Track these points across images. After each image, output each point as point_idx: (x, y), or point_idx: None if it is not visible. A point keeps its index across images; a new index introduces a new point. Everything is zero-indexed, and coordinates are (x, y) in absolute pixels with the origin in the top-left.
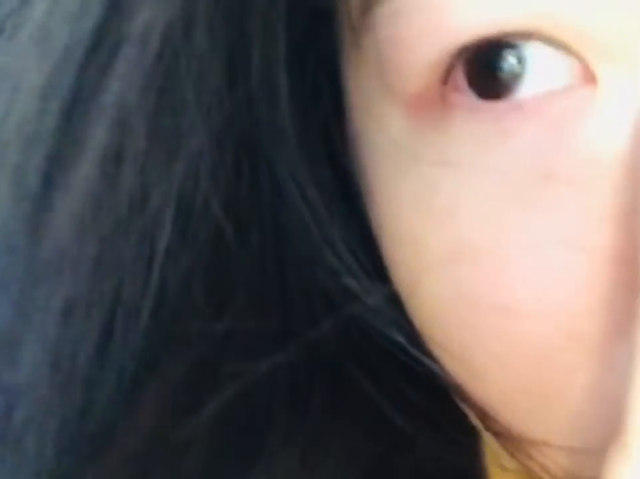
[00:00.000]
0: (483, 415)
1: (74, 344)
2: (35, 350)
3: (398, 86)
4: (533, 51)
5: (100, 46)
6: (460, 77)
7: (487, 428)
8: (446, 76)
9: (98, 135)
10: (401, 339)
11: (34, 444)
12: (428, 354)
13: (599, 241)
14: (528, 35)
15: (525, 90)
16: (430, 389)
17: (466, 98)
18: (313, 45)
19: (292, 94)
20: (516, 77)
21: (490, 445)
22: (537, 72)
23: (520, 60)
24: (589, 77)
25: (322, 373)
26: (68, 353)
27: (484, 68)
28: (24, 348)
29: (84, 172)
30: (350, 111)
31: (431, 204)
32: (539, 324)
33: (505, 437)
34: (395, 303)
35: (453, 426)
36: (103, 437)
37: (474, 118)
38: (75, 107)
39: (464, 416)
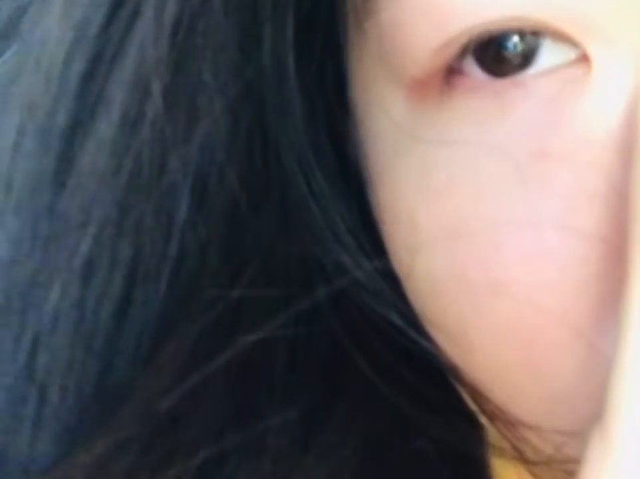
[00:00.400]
0: (477, 396)
1: (96, 301)
2: (60, 299)
3: (400, 69)
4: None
5: (119, 12)
6: (464, 61)
7: (481, 410)
8: (449, 61)
9: (117, 96)
10: (397, 319)
11: (57, 396)
12: (426, 336)
13: (588, 221)
14: (525, 22)
15: (529, 70)
16: (431, 373)
17: (469, 80)
18: (319, 29)
19: (299, 75)
20: (522, 56)
21: (490, 431)
22: (542, 52)
23: (524, 40)
24: (584, 58)
25: (322, 355)
26: (90, 309)
27: (492, 46)
28: (50, 294)
29: (105, 131)
30: (353, 94)
31: (429, 183)
32: (529, 304)
33: (498, 419)
34: (394, 285)
35: (454, 411)
36: (122, 393)
37: (474, 95)
38: (95, 70)
39: (465, 402)
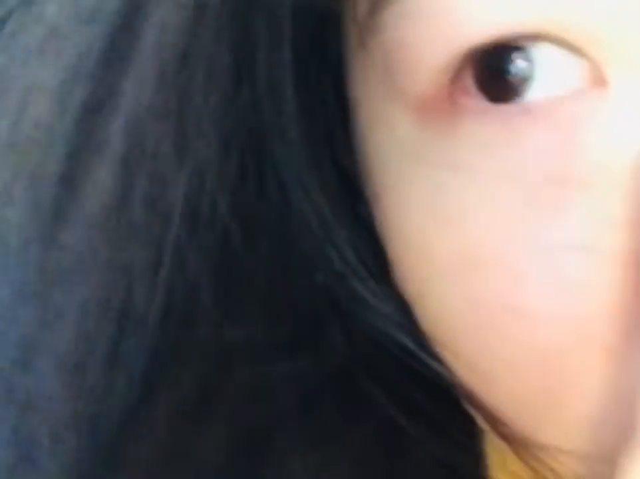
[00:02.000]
0: (493, 419)
1: (87, 351)
2: (50, 358)
3: (406, 89)
4: (542, 53)
5: (114, 50)
6: (468, 80)
7: (497, 433)
8: (455, 80)
9: (114, 138)
10: (409, 343)
11: (45, 457)
12: (435, 357)
13: (610, 245)
14: (537, 37)
15: (534, 93)
16: (433, 391)
17: (475, 101)
18: (319, 47)
19: (297, 97)
20: (525, 80)
21: (496, 448)
22: (547, 74)
23: (529, 62)
24: (600, 80)
25: (330, 378)
26: (80, 360)
27: (493, 71)
28: (39, 354)
29: (101, 176)
30: (356, 114)
31: (439, 208)
32: (550, 328)
33: (516, 441)
34: (403, 306)
35: (457, 428)
36: (116, 446)
37: (482, 120)
38: (91, 112)
39: (468, 419)
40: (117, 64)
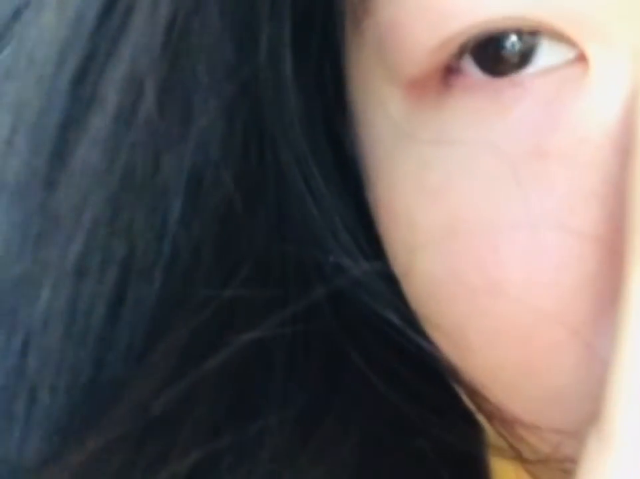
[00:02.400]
0: (475, 395)
1: (88, 301)
2: (51, 299)
3: (398, 69)
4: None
5: (113, 10)
6: (461, 60)
7: (479, 409)
8: (447, 61)
9: (110, 95)
10: (396, 320)
11: (48, 395)
12: (424, 335)
13: (585, 221)
14: (523, 21)
15: (526, 69)
16: (430, 374)
17: (467, 79)
18: (317, 27)
19: (296, 75)
20: (520, 55)
21: (488, 430)
22: (540, 51)
23: (522, 39)
24: (583, 57)
25: (320, 354)
26: (82, 309)
27: (490, 45)
28: (41, 292)
29: (97, 130)
30: (351, 93)
31: (426, 182)
32: (526, 304)
33: (496, 418)
34: (393, 284)
35: (453, 410)
36: (114, 392)
37: (472, 95)
38: (89, 68)
39: (463, 401)
40: (114, 27)
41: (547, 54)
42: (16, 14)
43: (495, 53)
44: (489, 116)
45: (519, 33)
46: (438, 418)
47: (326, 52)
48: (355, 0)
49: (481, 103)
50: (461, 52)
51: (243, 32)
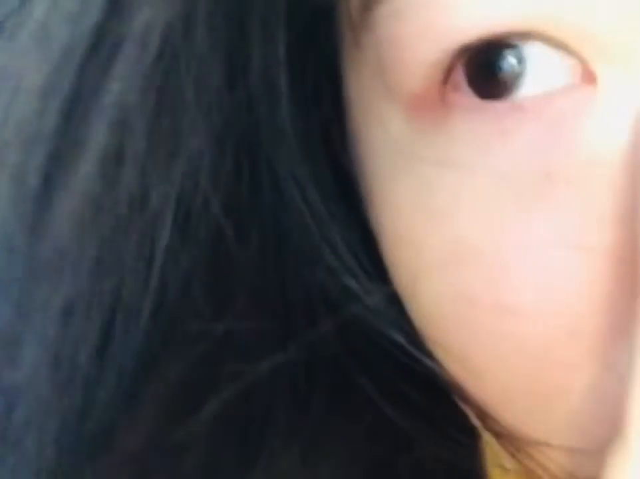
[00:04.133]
0: (483, 415)
1: (74, 344)
2: (35, 349)
3: (398, 85)
4: (533, 51)
5: (100, 46)
6: (460, 77)
7: (487, 428)
8: (446, 76)
9: (97, 135)
10: (401, 339)
11: (35, 445)
12: (428, 354)
13: (598, 241)
14: (528, 35)
15: (525, 90)
16: (430, 390)
17: (466, 98)
18: (313, 45)
19: (292, 94)
20: (516, 77)
21: (491, 445)
22: (537, 72)
23: (520, 60)
24: (589, 77)
25: (322, 374)
26: (68, 353)
27: (484, 68)
28: (24, 347)
29: (84, 172)
30: (350, 111)
31: (430, 204)
32: (539, 325)
33: (505, 437)
34: (395, 303)
35: (454, 426)
36: (103, 437)
37: (473, 117)
38: (75, 107)
39: (465, 417)
40: (102, 62)
41: (548, 76)
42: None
43: (491, 76)
44: (491, 140)
45: (516, 51)
46: (441, 434)
47: (323, 70)
48: (354, 16)
49: (483, 126)
50: (459, 68)
51: (233, 56)
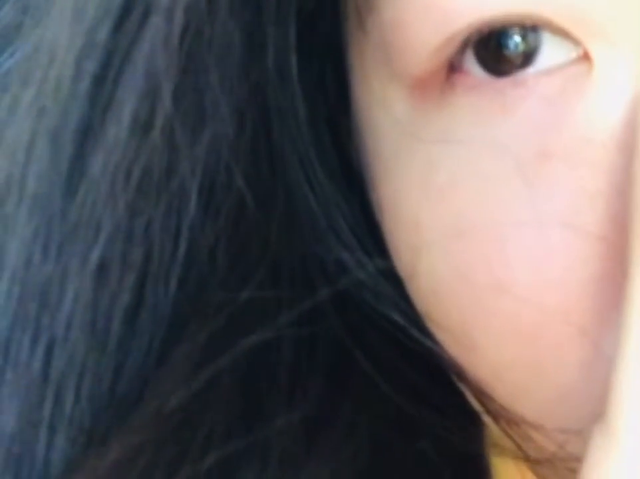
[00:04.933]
0: (480, 394)
1: (108, 307)
2: (73, 305)
3: (402, 68)
4: (535, 32)
5: (129, 18)
6: (464, 58)
7: (484, 409)
8: (450, 58)
9: (128, 101)
10: (401, 320)
11: (71, 403)
12: (429, 335)
13: (590, 220)
14: (528, 18)
15: (529, 69)
16: (433, 374)
17: (470, 78)
18: (320, 29)
19: (301, 77)
20: (523, 55)
21: (492, 430)
22: (542, 51)
23: (525, 39)
24: (587, 56)
25: (325, 356)
26: (102, 313)
27: (493, 44)
28: (62, 303)
29: (115, 136)
30: (354, 93)
31: (431, 182)
32: (532, 302)
33: (501, 417)
34: (397, 284)
35: (456, 410)
36: (135, 395)
37: (476, 94)
38: (106, 74)
39: (467, 401)
40: (131, 33)
41: (550, 54)
42: (25, 15)
43: (498, 53)
44: (493, 115)
45: (523, 33)
46: (441, 418)
47: (329, 53)
48: (359, 0)
49: (484, 103)
50: (463, 50)
51: (252, 37)
